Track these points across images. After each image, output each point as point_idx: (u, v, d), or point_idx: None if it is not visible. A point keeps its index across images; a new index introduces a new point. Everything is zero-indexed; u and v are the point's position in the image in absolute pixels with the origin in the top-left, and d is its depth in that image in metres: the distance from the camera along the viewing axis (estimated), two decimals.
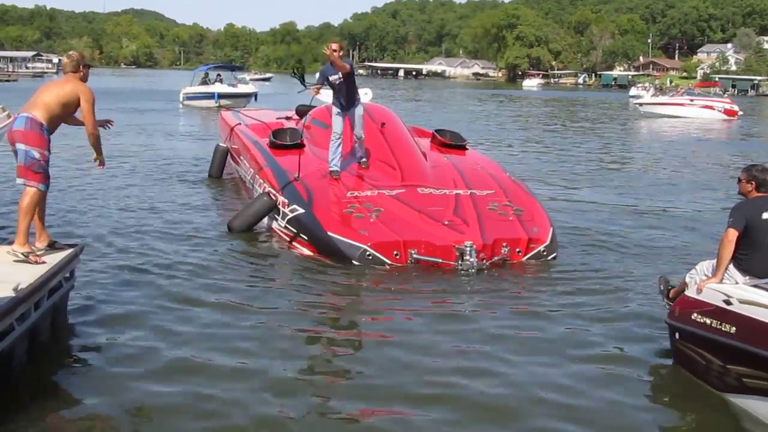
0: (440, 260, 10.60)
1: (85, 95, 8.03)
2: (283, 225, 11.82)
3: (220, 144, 18.31)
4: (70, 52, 8.49)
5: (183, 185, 17.39)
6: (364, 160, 12.84)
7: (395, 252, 10.66)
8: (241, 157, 16.01)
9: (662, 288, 8.45)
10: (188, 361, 7.30)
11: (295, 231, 11.54)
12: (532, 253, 11.12)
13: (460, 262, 10.50)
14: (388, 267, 10.57)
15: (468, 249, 10.50)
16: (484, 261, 10.61)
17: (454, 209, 11.55)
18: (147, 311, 8.60)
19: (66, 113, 8.14)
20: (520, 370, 7.26)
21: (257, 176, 13.71)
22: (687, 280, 7.77)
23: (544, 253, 11.18)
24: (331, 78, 12.35)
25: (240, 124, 17.82)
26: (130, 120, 34.46)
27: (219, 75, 49.78)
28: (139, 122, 34.11)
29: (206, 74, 50.63)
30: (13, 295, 6.49)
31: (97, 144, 8.38)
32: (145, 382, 6.80)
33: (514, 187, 12.69)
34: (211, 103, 44.11)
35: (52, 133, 8.04)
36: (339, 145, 12.51)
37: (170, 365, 7.18)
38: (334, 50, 12.07)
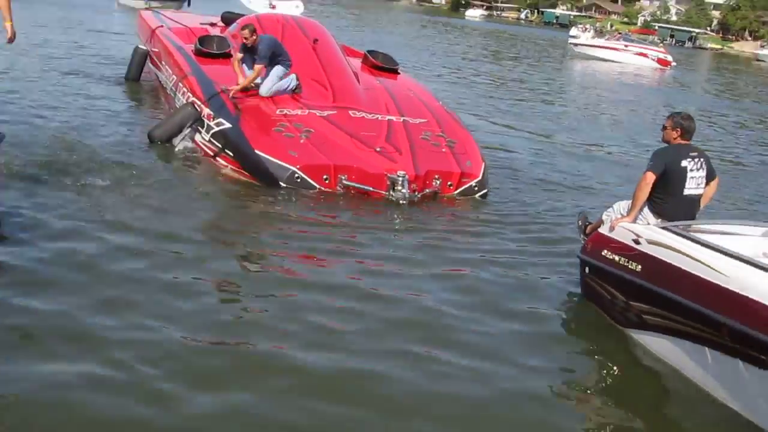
0: (371, 188, 10.30)
1: None
2: (207, 138, 11.30)
3: (140, 46, 17.39)
4: None
5: (100, 86, 16.67)
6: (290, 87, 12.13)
7: (325, 176, 10.32)
8: (163, 62, 15.20)
9: (580, 224, 8.53)
10: (99, 287, 6.85)
11: (219, 146, 11.04)
12: (464, 187, 10.86)
13: (391, 192, 10.21)
14: (316, 191, 10.24)
15: (400, 179, 10.19)
16: (416, 192, 10.31)
17: (387, 136, 11.19)
18: (58, 231, 8.01)
19: None
20: (436, 310, 7.20)
21: (180, 84, 13.06)
22: (603, 218, 7.87)
23: (476, 189, 10.94)
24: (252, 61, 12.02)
25: (162, 26, 16.97)
26: (59, 14, 33.37)
27: None
28: (68, 17, 32.95)
29: None
30: None
31: (7, 6, 7.95)
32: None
33: (447, 117, 12.38)
34: (141, 3, 41.16)
35: None
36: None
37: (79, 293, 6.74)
38: (245, 38, 11.84)
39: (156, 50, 16.21)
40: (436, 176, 10.70)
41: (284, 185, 10.24)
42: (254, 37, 11.83)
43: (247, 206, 9.73)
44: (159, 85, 15.69)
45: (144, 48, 17.15)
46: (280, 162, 10.36)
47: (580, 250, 7.72)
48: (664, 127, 7.50)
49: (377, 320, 6.81)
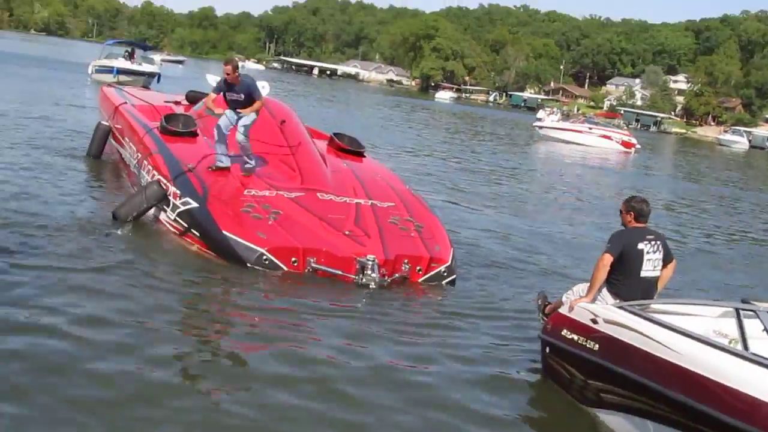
0: (340, 272, 10.12)
1: None
2: (172, 217, 11.18)
3: (102, 122, 17.23)
4: None
5: (62, 162, 16.48)
6: (248, 166, 12.00)
7: (293, 259, 10.15)
8: (126, 139, 15.01)
9: (539, 304, 8.71)
10: (59, 356, 6.90)
11: (185, 225, 10.93)
12: (433, 273, 10.69)
13: (360, 276, 10.03)
14: (283, 273, 10.08)
15: (370, 263, 10.03)
16: (386, 277, 10.13)
17: (355, 219, 11.09)
18: (23, 300, 8.05)
19: None
20: (399, 397, 7.10)
21: (145, 162, 12.92)
22: (563, 299, 8.03)
23: (444, 274, 10.77)
24: (229, 96, 11.94)
25: (125, 103, 16.86)
26: (30, 87, 33.53)
27: (127, 51, 47.63)
28: (39, 90, 33.10)
29: (133, 49, 48.17)
30: None
31: None
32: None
33: (414, 201, 12.33)
34: (110, 77, 40.81)
35: None
36: (225, 138, 11.92)
37: (36, 362, 6.75)
38: (228, 73, 11.72)
39: (119, 127, 16.05)
40: (406, 261, 10.56)
41: (252, 267, 10.09)
42: (237, 74, 11.75)
43: (213, 287, 9.59)
44: (121, 162, 15.48)
45: (106, 124, 16.98)
46: (248, 243, 10.22)
47: (541, 330, 7.85)
48: (620, 211, 7.78)
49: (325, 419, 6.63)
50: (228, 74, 11.76)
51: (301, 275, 10.12)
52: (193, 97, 16.79)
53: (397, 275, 10.38)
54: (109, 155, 16.94)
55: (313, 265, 10.16)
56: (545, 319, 8.27)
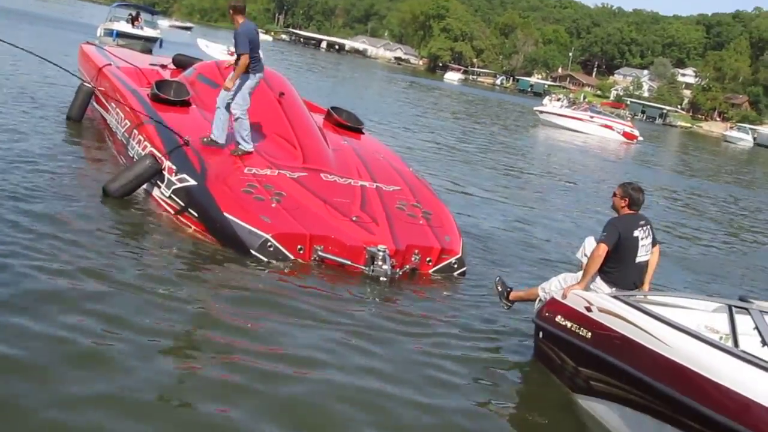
0: (348, 262, 9.46)
1: None
2: (167, 195, 10.44)
3: (85, 84, 16.09)
4: None
5: (45, 123, 15.72)
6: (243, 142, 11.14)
7: (299, 246, 9.43)
8: (113, 105, 14.06)
9: (500, 290, 8.70)
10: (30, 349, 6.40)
11: (182, 204, 10.19)
12: (443, 264, 10.08)
13: (370, 267, 9.37)
14: (287, 262, 9.38)
15: (381, 253, 9.38)
16: (396, 269, 9.49)
17: (361, 204, 10.40)
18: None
19: None
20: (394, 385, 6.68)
21: (135, 131, 12.10)
22: (538, 290, 8.12)
23: (455, 267, 10.18)
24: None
25: (110, 65, 15.91)
26: (34, 45, 33.20)
27: (131, 15, 45.92)
28: (40, 49, 32.73)
29: (138, 13, 47.52)
30: None
31: None
32: None
33: (419, 185, 11.69)
34: (110, 41, 39.48)
35: None
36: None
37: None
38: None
39: (103, 90, 15.19)
40: (416, 251, 9.92)
41: (254, 253, 9.38)
42: (239, 17, 10.93)
43: (210, 273, 8.89)
44: (106, 129, 14.63)
45: (89, 86, 15.98)
46: (251, 228, 9.47)
47: (535, 314, 7.83)
48: (614, 194, 7.70)
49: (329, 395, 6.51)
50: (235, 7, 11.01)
51: (306, 264, 9.45)
52: (181, 62, 15.94)
53: (407, 267, 9.76)
54: (89, 118, 16.23)
55: (320, 253, 9.49)
56: (509, 304, 8.58)
